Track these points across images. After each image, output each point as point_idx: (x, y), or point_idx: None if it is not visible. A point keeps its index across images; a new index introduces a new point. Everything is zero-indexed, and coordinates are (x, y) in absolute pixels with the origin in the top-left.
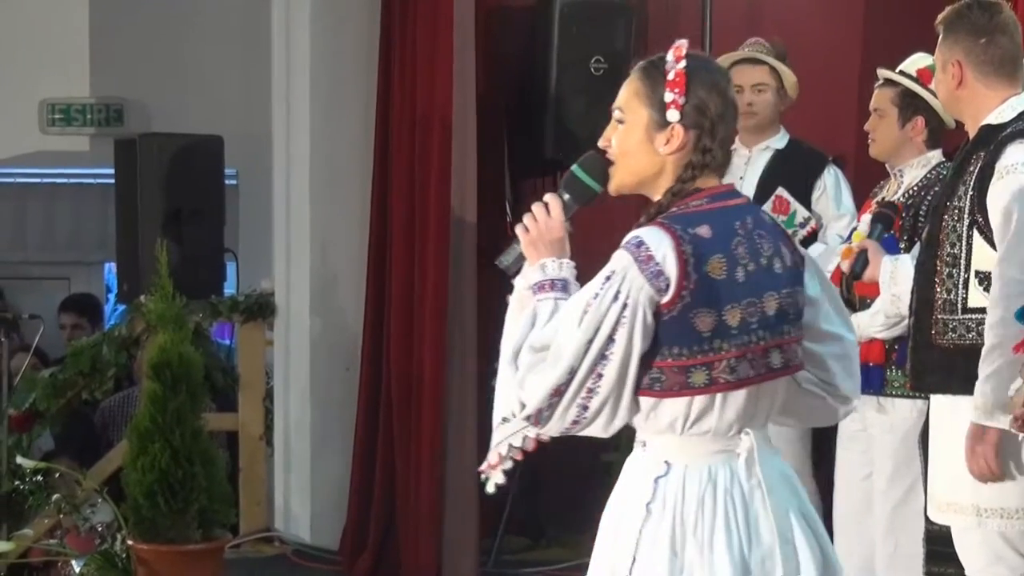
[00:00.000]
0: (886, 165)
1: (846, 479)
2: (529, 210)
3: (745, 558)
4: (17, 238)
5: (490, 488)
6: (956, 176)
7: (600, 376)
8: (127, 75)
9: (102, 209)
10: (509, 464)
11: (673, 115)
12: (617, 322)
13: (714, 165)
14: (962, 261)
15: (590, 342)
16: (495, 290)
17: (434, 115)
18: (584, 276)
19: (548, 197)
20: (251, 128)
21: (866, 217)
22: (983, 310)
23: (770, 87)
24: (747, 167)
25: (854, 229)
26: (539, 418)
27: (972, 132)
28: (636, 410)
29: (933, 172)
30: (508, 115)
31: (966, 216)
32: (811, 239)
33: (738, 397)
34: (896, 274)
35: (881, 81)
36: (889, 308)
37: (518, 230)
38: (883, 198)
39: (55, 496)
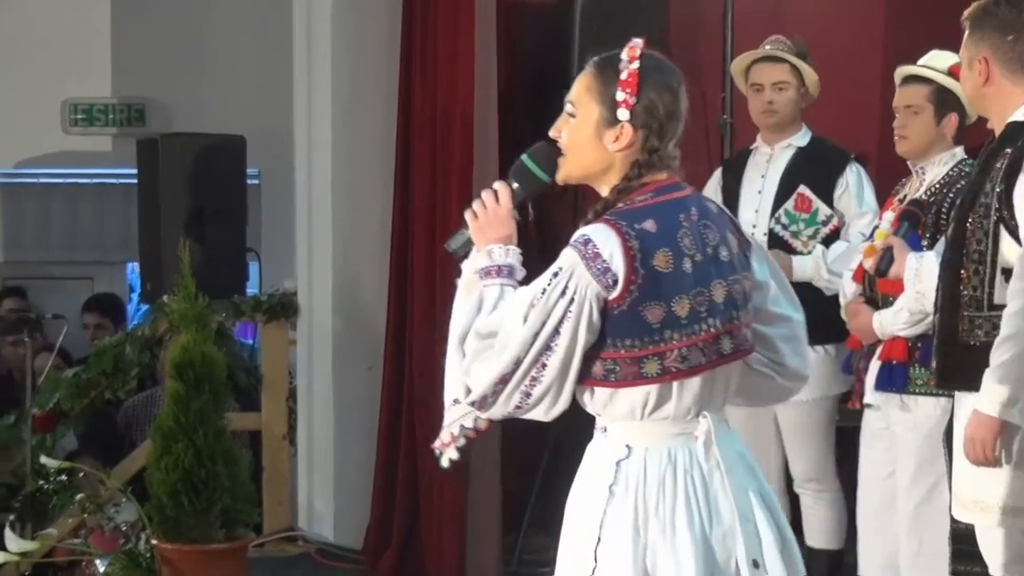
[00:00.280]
0: (908, 162)
1: (869, 477)
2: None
3: (707, 535)
4: (40, 238)
5: (444, 463)
6: (982, 173)
7: (544, 366)
8: (149, 75)
9: (125, 209)
10: (463, 442)
11: (623, 114)
12: (563, 316)
13: (661, 164)
14: (988, 258)
15: (536, 335)
16: None
17: (455, 112)
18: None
19: (497, 185)
20: (273, 127)
21: (888, 215)
22: None
23: (791, 85)
24: (769, 165)
25: (876, 227)
26: (483, 403)
27: (998, 129)
28: (596, 400)
29: (955, 169)
30: (529, 112)
31: (992, 213)
32: (833, 237)
33: (694, 383)
34: (921, 271)
35: (902, 79)
36: (913, 305)
37: (467, 215)
38: (905, 196)
39: (79, 496)
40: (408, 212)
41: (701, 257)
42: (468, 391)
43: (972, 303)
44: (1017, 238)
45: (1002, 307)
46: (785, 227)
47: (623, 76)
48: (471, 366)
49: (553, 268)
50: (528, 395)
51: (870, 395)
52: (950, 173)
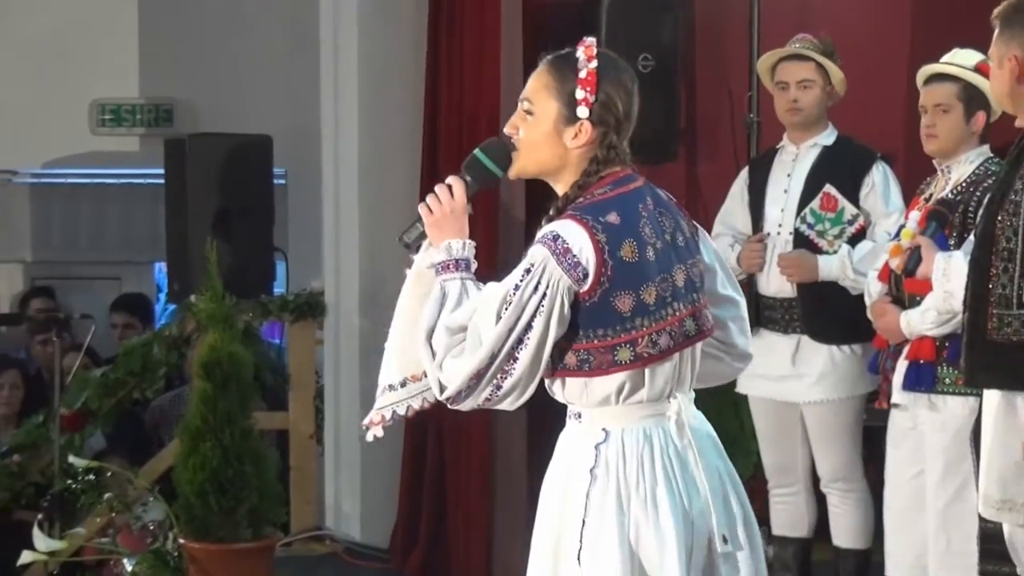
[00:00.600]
0: (934, 161)
1: (896, 477)
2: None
3: (687, 510)
4: (68, 238)
5: (368, 438)
6: (1012, 170)
7: (516, 360)
8: (176, 75)
9: (152, 209)
10: (391, 424)
11: (583, 112)
12: (536, 312)
13: (618, 160)
14: (1018, 256)
15: (511, 330)
16: None
17: (482, 112)
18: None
19: (451, 179)
20: (300, 127)
21: (914, 214)
22: None
23: (816, 83)
24: (795, 164)
25: (902, 226)
26: (457, 398)
27: None
28: (570, 389)
29: (982, 167)
30: None
31: (1022, 210)
32: (859, 236)
33: (665, 366)
34: (949, 271)
35: (926, 79)
36: (941, 305)
37: (421, 210)
38: (930, 195)
39: (107, 495)
40: None
41: (661, 244)
42: (442, 387)
43: (1001, 301)
44: None
45: None
46: (811, 226)
47: (582, 75)
48: (444, 362)
49: (524, 264)
50: (499, 388)
51: (897, 395)
52: (976, 171)
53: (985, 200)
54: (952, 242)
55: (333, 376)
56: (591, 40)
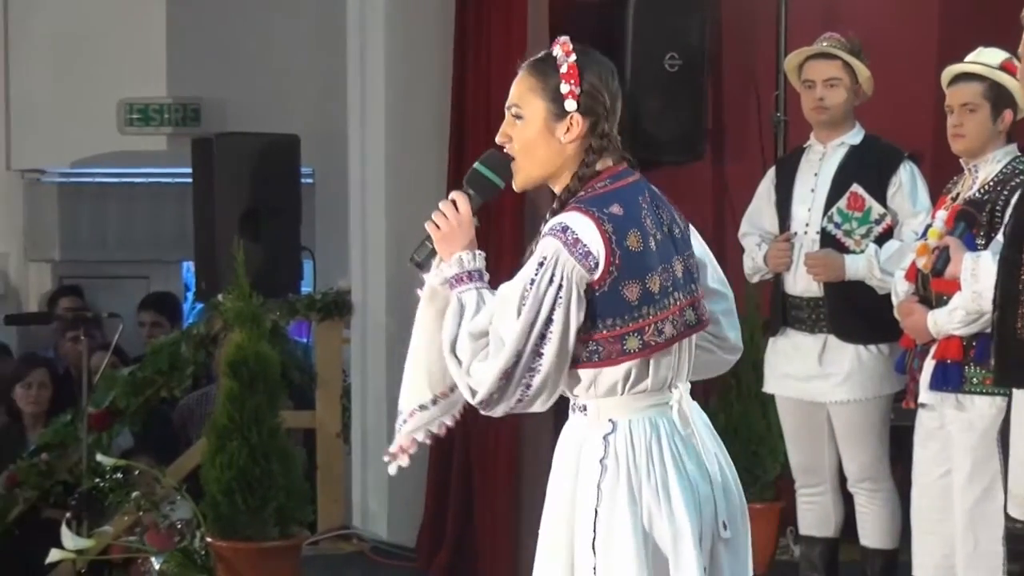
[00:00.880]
0: (961, 160)
1: (923, 477)
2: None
3: (697, 496)
4: (96, 237)
5: (392, 470)
6: None
7: (541, 355)
8: (204, 75)
9: (180, 208)
10: (415, 450)
11: (571, 104)
12: (554, 303)
13: (612, 148)
14: None
15: (532, 325)
16: None
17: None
18: None
19: (455, 195)
20: (327, 127)
21: (941, 214)
22: None
23: (843, 82)
24: (822, 163)
25: (930, 226)
26: (489, 402)
27: None
28: (577, 381)
29: (1009, 166)
30: None
31: None
32: (886, 236)
33: (667, 355)
34: (977, 271)
35: (951, 78)
36: (970, 305)
37: (428, 228)
38: (957, 194)
39: (135, 493)
40: None
41: (661, 236)
42: (473, 392)
43: None
44: None
45: None
46: (838, 226)
47: (564, 69)
48: (471, 367)
49: (536, 258)
50: (528, 387)
51: (924, 394)
52: (1004, 170)
53: (1013, 199)
54: (980, 242)
55: (360, 375)
56: (565, 38)
